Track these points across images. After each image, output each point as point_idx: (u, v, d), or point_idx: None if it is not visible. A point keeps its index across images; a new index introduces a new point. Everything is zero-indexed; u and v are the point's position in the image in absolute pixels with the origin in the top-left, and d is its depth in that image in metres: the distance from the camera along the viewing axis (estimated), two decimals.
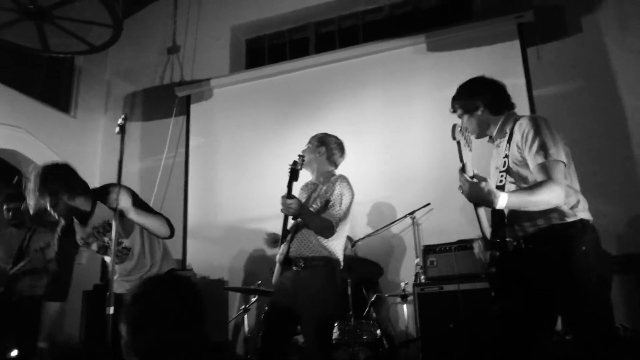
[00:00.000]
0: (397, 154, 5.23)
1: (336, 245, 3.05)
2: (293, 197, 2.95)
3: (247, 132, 5.86)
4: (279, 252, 3.04)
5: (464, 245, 4.03)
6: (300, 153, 3.17)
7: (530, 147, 2.19)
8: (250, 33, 6.70)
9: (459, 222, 4.61)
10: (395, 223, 4.77)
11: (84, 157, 6.45)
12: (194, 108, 6.22)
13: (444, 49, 5.33)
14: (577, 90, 4.85)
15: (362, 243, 4.76)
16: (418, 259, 4.39)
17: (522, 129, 2.25)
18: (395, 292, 4.41)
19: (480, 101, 2.47)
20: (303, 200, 3.08)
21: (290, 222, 3.12)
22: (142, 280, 1.47)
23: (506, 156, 2.32)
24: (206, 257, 5.57)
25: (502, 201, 2.05)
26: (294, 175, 3.02)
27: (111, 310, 2.61)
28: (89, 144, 6.56)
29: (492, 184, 2.14)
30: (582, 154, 4.66)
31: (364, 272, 4.25)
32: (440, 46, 5.35)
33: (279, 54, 6.44)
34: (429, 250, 4.20)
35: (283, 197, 2.94)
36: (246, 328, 4.46)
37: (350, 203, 3.11)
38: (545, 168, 2.13)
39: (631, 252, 4.20)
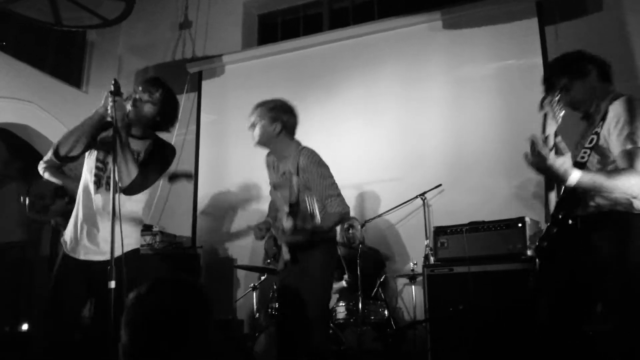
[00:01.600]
0: (409, 133, 5.16)
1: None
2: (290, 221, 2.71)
3: None
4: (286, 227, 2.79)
5: (476, 227, 3.97)
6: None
7: (621, 131, 2.11)
8: (263, 8, 6.60)
9: (469, 204, 4.56)
10: (406, 204, 4.72)
11: None
12: (205, 84, 6.18)
13: (460, 27, 5.20)
14: None
15: (372, 223, 4.73)
16: (428, 240, 4.35)
17: (617, 110, 2.17)
18: (404, 273, 4.39)
19: (592, 64, 2.36)
20: (288, 193, 2.83)
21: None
22: (150, 281, 1.35)
23: (596, 134, 2.22)
24: (216, 234, 5.59)
25: (574, 178, 2.00)
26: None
27: (112, 284, 2.38)
28: None
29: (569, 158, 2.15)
30: None
31: (369, 265, 4.23)
32: (456, 23, 5.22)
33: (292, 29, 6.35)
34: (439, 231, 4.14)
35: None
36: (254, 306, 4.47)
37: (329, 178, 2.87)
38: (630, 155, 2.06)
39: None
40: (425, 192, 4.62)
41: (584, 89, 2.32)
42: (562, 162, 2.02)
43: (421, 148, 5.07)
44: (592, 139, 2.21)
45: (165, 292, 1.32)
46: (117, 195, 2.41)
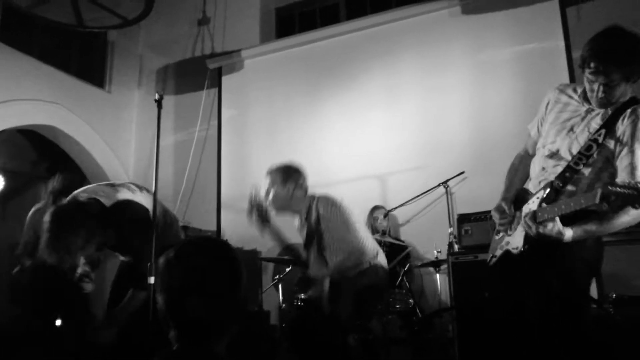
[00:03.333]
0: (431, 121, 5.13)
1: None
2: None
3: (279, 103, 5.83)
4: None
5: None
6: None
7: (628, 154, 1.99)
8: (280, 1, 6.62)
9: (493, 190, 4.44)
10: (429, 192, 4.71)
11: (119, 131, 6.57)
12: (225, 80, 6.22)
13: (480, 11, 5.14)
14: None
15: (395, 213, 4.74)
16: (451, 228, 4.32)
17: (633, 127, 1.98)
18: (429, 261, 4.38)
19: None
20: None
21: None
22: (176, 245, 1.37)
23: (595, 141, 2.05)
24: (240, 228, 5.63)
25: (568, 237, 2.00)
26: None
27: (152, 280, 2.63)
28: (124, 118, 6.67)
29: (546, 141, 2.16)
30: None
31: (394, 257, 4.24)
32: (475, 8, 5.16)
33: (310, 22, 6.35)
34: (463, 218, 4.12)
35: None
36: (280, 298, 4.51)
37: (348, 215, 2.97)
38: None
39: None
40: (447, 180, 4.59)
41: (616, 93, 2.03)
42: (551, 228, 1.99)
43: (443, 135, 5.04)
44: (590, 147, 2.06)
45: (194, 252, 1.34)
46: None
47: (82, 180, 6.63)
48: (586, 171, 2.09)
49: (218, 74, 6.24)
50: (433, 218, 4.82)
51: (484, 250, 3.80)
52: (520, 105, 4.80)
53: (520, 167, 2.53)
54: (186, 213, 5.92)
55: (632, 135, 1.99)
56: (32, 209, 3.86)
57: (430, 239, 4.77)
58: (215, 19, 6.53)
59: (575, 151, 2.11)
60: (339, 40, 5.72)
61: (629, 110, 2.02)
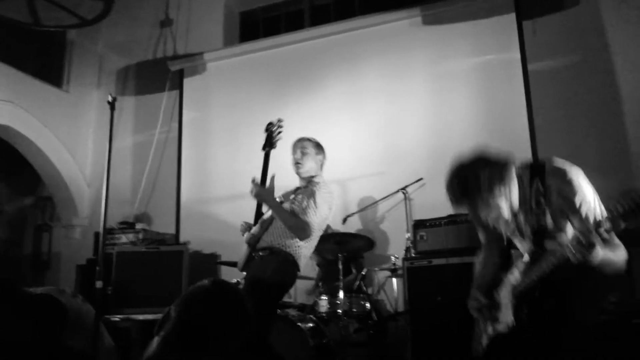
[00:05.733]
0: (391, 128, 5.21)
1: (302, 251, 3.11)
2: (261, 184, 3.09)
3: (242, 107, 5.81)
4: (249, 233, 3.19)
5: (454, 219, 4.03)
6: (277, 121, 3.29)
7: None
8: (244, 5, 6.62)
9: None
10: (387, 198, 4.77)
11: (77, 132, 6.44)
12: (187, 82, 6.17)
13: (440, 22, 5.26)
14: (572, 65, 4.79)
15: (353, 218, 4.78)
16: (409, 234, 4.39)
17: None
18: (386, 266, 4.43)
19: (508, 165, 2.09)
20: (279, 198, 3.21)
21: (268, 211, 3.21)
22: (182, 297, 1.44)
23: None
24: (199, 231, 5.59)
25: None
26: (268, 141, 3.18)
27: (99, 284, 2.79)
28: (82, 118, 6.54)
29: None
30: (576, 129, 4.68)
31: (355, 246, 4.25)
32: (436, 19, 5.27)
33: (274, 27, 6.37)
34: (419, 224, 4.20)
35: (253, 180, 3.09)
36: None
37: (327, 213, 3.17)
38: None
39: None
40: (406, 186, 4.66)
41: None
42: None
43: (403, 142, 5.11)
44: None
45: (200, 305, 1.44)
46: None
47: (38, 182, 6.47)
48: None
49: (180, 76, 6.19)
50: (392, 224, 4.89)
51: (438, 255, 3.92)
52: (478, 113, 4.92)
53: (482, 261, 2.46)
54: (144, 216, 5.85)
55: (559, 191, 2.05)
56: None
57: (390, 244, 4.85)
58: (178, 21, 6.48)
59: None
60: (302, 46, 5.75)
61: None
